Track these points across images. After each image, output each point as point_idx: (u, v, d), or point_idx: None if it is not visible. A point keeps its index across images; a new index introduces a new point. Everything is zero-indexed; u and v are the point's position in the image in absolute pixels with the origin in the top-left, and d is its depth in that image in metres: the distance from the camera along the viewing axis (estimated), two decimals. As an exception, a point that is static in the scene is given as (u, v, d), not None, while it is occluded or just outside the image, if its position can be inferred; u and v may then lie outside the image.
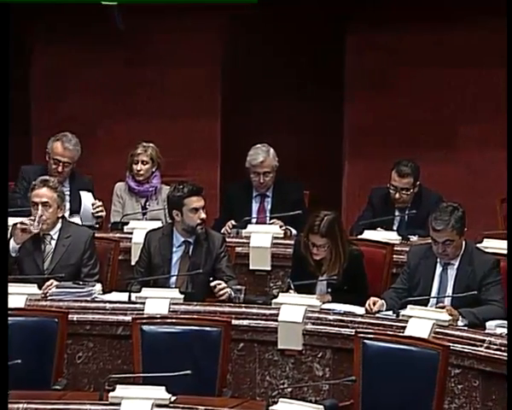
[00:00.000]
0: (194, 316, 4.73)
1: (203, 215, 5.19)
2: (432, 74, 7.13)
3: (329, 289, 5.10)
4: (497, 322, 4.64)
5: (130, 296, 5.03)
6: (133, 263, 5.50)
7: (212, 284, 5.05)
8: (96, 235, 5.45)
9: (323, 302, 4.97)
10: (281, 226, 5.92)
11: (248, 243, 5.74)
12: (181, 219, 5.21)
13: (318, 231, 5.01)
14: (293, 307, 4.85)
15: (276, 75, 7.35)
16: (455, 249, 4.88)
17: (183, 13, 7.09)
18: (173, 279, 5.20)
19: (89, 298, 5.04)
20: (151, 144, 6.36)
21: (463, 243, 4.93)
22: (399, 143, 7.11)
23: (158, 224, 5.69)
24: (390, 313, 4.85)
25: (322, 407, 4.21)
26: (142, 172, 6.26)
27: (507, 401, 3.73)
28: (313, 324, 4.82)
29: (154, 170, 6.30)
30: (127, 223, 5.95)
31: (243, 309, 4.93)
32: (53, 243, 5.20)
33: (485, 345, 4.47)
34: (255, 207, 6.16)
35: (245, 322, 4.87)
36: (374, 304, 4.87)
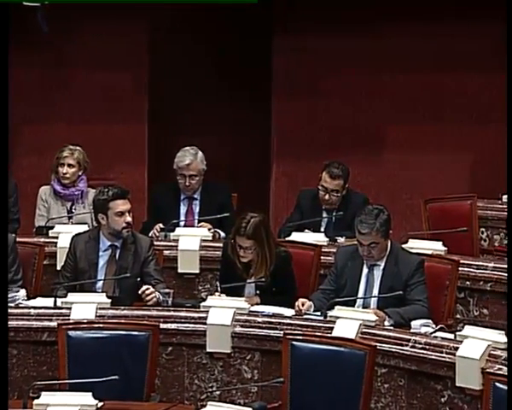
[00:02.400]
0: (122, 320, 4.69)
1: (129, 219, 5.15)
2: (359, 76, 7.21)
3: (258, 291, 5.11)
4: (422, 321, 4.71)
5: (55, 302, 4.96)
6: (59, 268, 5.43)
7: (141, 290, 5.01)
8: (21, 240, 5.37)
9: (252, 305, 4.97)
10: (209, 229, 5.91)
11: (176, 246, 5.71)
12: (107, 222, 5.16)
13: (244, 233, 5.02)
14: (221, 310, 4.85)
15: (203, 77, 7.34)
16: (380, 251, 4.94)
17: (108, 15, 7.02)
18: (100, 284, 5.15)
19: (12, 304, 4.95)
20: (78, 147, 6.28)
21: (389, 244, 4.99)
22: (327, 145, 7.17)
23: (84, 228, 5.63)
24: (318, 314, 4.88)
25: (250, 409, 4.22)
26: (68, 176, 6.19)
27: (507, 401, 3.76)
28: (242, 326, 4.82)
29: (80, 173, 6.22)
30: (52, 227, 5.87)
31: (171, 313, 4.91)
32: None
33: (411, 344, 4.53)
34: (183, 210, 6.13)
35: (173, 326, 4.84)
36: (302, 305, 4.90)
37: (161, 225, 5.90)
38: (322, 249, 5.48)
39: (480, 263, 5.50)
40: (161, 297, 5.03)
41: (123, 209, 5.14)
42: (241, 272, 5.11)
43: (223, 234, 5.93)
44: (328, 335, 4.56)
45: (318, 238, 5.71)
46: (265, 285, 5.08)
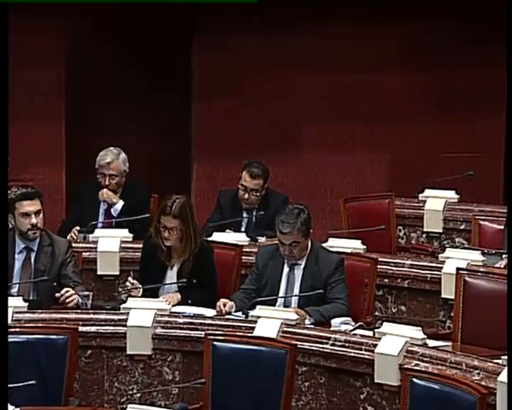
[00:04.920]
0: (39, 324, 4.62)
1: (34, 220, 5.02)
2: (277, 76, 7.25)
3: (179, 283, 5.04)
4: (342, 319, 4.76)
5: (-30, 306, 4.83)
6: (-27, 272, 5.30)
7: (60, 293, 4.92)
8: None
9: (173, 301, 4.94)
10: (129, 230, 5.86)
11: (96, 247, 5.65)
12: (14, 223, 5.06)
13: (170, 212, 5.01)
14: (142, 312, 4.81)
15: (123, 76, 7.27)
16: (301, 250, 4.98)
17: (25, 14, 6.89)
18: (16, 287, 5.04)
19: None
20: (-7, 148, 6.14)
21: (309, 243, 5.03)
22: (247, 145, 7.19)
23: (-1, 230, 5.50)
24: (239, 314, 4.88)
25: (171, 411, 4.21)
26: (-18, 177, 6.04)
27: (507, 400, 3.79)
28: (163, 327, 4.79)
29: (-5, 174, 6.08)
30: (-33, 230, 5.72)
31: (91, 315, 4.85)
32: None
33: (331, 342, 4.58)
34: (102, 210, 6.06)
35: (92, 328, 4.79)
36: (224, 305, 4.90)
37: (78, 228, 5.82)
38: (243, 249, 5.48)
39: (398, 261, 5.58)
40: (80, 300, 4.96)
41: (28, 210, 5.02)
42: (164, 257, 5.07)
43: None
44: (249, 334, 4.57)
45: (239, 238, 5.72)
46: (186, 273, 5.03)
